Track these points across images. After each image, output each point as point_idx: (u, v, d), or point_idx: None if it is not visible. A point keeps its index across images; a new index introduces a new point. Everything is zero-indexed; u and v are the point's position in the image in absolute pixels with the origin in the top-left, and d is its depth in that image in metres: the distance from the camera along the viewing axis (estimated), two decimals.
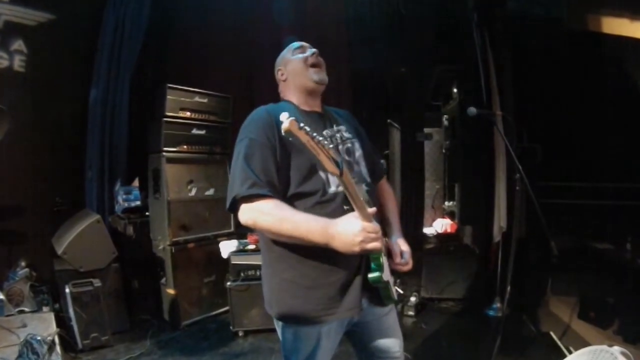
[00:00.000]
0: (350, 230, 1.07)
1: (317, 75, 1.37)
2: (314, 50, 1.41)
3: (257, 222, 1.17)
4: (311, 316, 1.25)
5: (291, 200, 1.23)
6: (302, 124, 0.90)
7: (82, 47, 3.45)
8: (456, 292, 3.59)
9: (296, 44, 1.44)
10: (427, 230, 4.54)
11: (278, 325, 1.35)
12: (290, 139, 0.91)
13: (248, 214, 1.17)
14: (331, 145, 0.96)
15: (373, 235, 1.07)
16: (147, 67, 3.80)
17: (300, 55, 1.39)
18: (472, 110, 2.28)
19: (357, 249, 1.07)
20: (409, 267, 1.35)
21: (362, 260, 1.25)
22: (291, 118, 0.90)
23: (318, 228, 1.10)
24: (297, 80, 1.38)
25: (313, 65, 1.37)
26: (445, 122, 4.60)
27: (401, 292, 3.48)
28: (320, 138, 0.93)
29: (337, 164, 0.96)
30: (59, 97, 3.33)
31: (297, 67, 1.38)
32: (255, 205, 1.16)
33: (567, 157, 3.63)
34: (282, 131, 0.90)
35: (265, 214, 1.15)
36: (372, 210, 1.11)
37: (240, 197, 1.16)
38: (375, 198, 1.40)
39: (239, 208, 1.18)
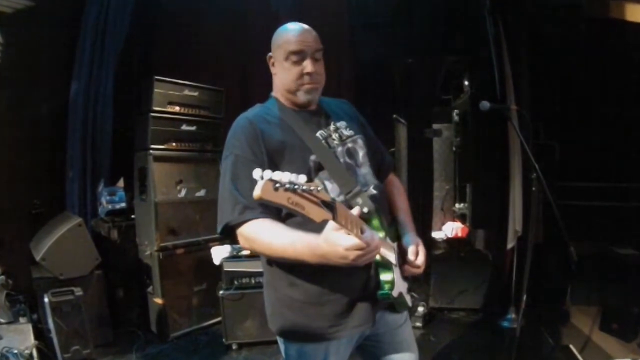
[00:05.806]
0: (336, 253, 1.02)
1: (306, 97, 1.31)
2: (310, 69, 1.26)
3: (252, 248, 1.20)
4: (317, 333, 1.24)
5: (285, 217, 1.22)
6: (277, 184, 0.81)
7: (62, 36, 3.45)
8: (468, 302, 3.59)
9: (295, 36, 1.28)
10: (436, 235, 4.52)
11: (280, 342, 1.35)
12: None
13: (241, 240, 1.20)
14: (320, 188, 0.88)
15: (360, 252, 1.01)
16: (132, 57, 3.80)
17: (294, 69, 1.28)
18: (485, 104, 2.29)
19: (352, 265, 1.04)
20: (421, 270, 1.32)
21: (372, 273, 1.24)
22: (262, 181, 0.80)
23: (306, 251, 1.09)
24: (284, 88, 1.33)
25: (306, 84, 1.29)
26: (456, 118, 4.58)
27: (416, 296, 3.46)
28: (305, 186, 0.85)
29: (328, 206, 0.90)
30: (38, 90, 3.33)
31: (286, 78, 1.30)
32: (243, 230, 1.18)
33: (587, 156, 3.63)
34: (254, 197, 0.81)
35: (253, 240, 1.17)
36: (356, 211, 1.06)
37: (233, 224, 1.18)
38: (384, 199, 1.39)
39: (234, 234, 1.21)
